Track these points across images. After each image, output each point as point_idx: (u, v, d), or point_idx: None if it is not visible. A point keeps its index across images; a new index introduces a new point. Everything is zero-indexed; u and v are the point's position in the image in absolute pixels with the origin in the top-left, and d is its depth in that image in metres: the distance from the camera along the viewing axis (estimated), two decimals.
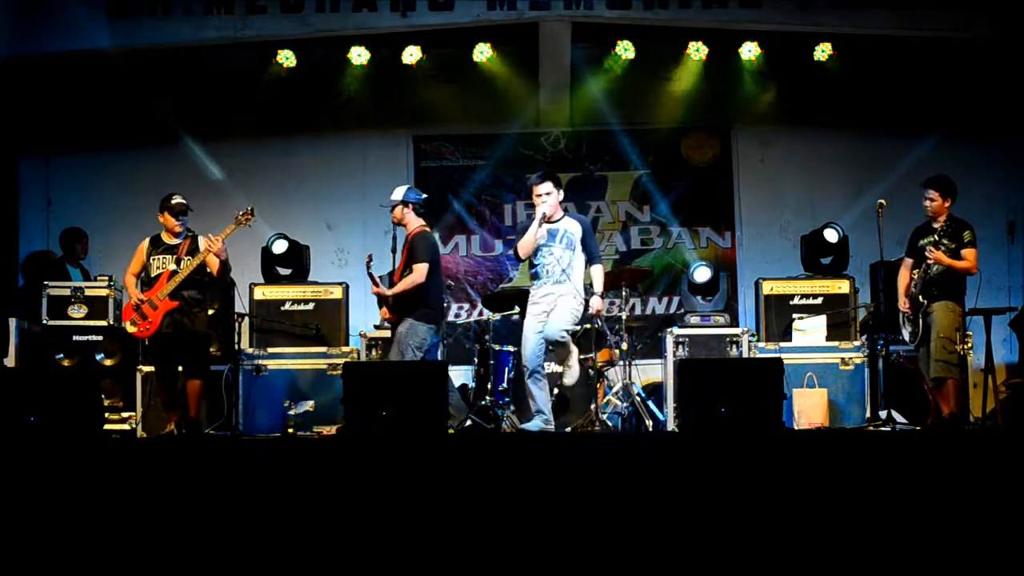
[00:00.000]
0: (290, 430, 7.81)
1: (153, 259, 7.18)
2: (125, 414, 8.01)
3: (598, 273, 7.06)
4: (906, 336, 7.33)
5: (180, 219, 7.16)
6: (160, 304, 7.04)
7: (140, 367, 7.97)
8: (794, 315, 8.28)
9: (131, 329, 7.15)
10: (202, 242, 7.15)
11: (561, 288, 6.89)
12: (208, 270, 7.16)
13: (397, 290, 7.09)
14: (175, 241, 7.18)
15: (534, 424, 6.91)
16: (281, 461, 5.33)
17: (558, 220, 6.99)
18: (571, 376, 7.03)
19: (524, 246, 6.93)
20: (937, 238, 7.08)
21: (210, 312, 7.57)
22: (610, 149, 10.08)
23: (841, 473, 4.97)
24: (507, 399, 7.78)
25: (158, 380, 7.37)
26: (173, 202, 7.17)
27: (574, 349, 7.02)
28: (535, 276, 7.02)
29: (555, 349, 6.94)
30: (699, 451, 5.37)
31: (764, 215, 9.99)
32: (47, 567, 4.70)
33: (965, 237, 7.11)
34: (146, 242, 7.27)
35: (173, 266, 7.09)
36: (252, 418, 7.98)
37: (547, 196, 6.90)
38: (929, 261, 7.08)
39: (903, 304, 7.27)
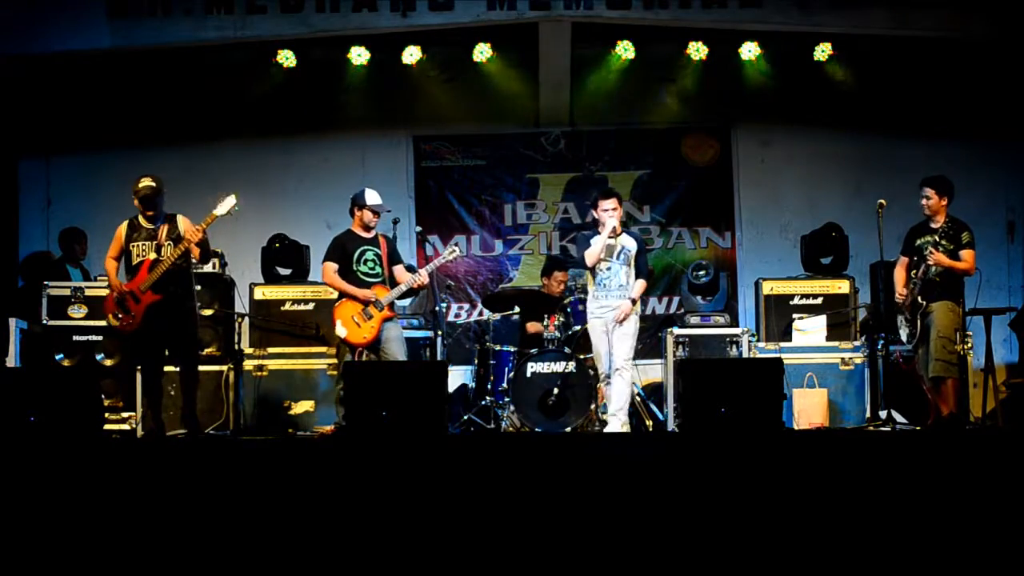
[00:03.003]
0: (290, 430, 7.81)
1: (132, 245, 6.88)
2: (125, 414, 7.97)
3: (640, 285, 7.27)
4: (903, 336, 7.33)
5: (151, 203, 6.83)
6: (143, 297, 6.76)
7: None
8: (794, 315, 8.28)
9: (114, 323, 6.86)
10: (182, 224, 6.84)
11: (619, 302, 7.14)
12: (192, 256, 6.87)
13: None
14: (153, 225, 6.88)
15: (612, 426, 7.08)
16: (281, 461, 5.33)
17: (617, 236, 7.20)
18: (614, 424, 7.06)
19: (591, 256, 7.21)
20: (936, 239, 7.08)
21: (208, 312, 7.54)
22: (610, 149, 10.08)
23: (841, 473, 4.97)
24: (507, 399, 7.77)
25: (143, 376, 7.20)
26: (137, 187, 6.88)
27: (629, 388, 7.13)
28: (596, 286, 7.25)
29: (614, 378, 7.09)
30: (699, 451, 5.37)
31: (764, 215, 9.99)
32: (48, 567, 4.70)
33: (963, 238, 7.10)
34: (124, 225, 6.95)
35: (153, 255, 6.80)
36: (252, 418, 7.97)
37: (613, 211, 7.19)
38: (929, 262, 7.08)
39: (900, 296, 7.26)
